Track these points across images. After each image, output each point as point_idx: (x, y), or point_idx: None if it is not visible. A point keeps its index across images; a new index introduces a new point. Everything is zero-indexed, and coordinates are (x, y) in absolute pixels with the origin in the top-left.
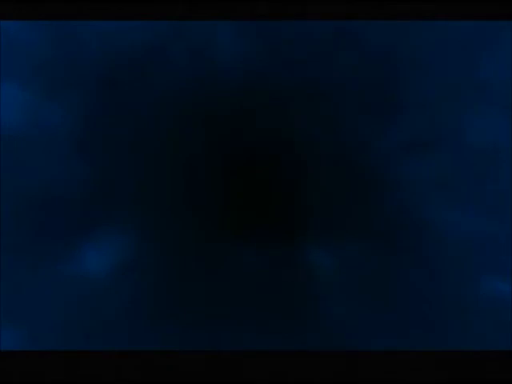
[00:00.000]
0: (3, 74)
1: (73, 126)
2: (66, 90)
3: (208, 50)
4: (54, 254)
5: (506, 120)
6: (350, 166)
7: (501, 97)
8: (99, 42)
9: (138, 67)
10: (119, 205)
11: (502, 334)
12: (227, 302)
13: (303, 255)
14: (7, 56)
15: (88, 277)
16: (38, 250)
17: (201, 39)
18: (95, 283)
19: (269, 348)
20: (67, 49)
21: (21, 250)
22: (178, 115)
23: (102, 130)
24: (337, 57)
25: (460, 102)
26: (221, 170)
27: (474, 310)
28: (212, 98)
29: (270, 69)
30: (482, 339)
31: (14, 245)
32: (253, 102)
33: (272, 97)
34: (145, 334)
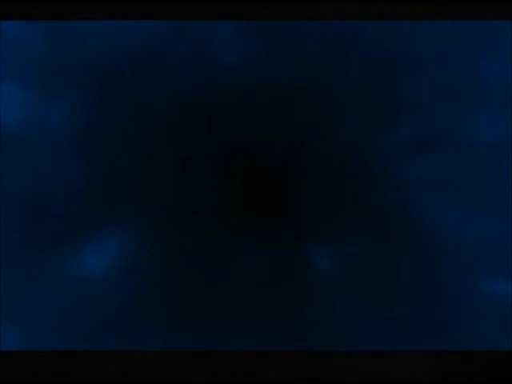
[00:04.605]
0: (3, 74)
1: (73, 126)
2: (66, 90)
3: (208, 50)
4: (53, 254)
5: (506, 120)
6: (350, 166)
7: (501, 97)
8: (99, 41)
9: (138, 67)
10: (119, 205)
11: (502, 333)
12: (227, 301)
13: (304, 255)
14: (7, 56)
15: (88, 277)
16: (38, 250)
17: (201, 39)
18: (95, 283)
19: (269, 348)
20: (67, 49)
21: (21, 250)
22: (178, 115)
23: (101, 130)
24: (337, 57)
25: (460, 102)
26: (221, 169)
27: (474, 310)
28: (212, 97)
29: (270, 69)
30: (482, 339)
31: (14, 245)
32: (253, 101)
33: (272, 97)
34: (145, 334)
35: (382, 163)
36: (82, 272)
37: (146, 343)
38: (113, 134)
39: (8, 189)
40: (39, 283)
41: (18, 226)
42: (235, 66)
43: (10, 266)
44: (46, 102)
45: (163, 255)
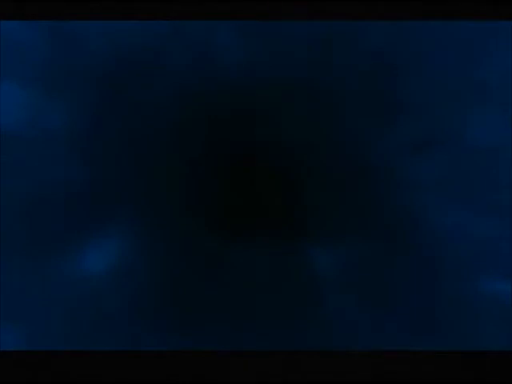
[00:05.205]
0: (3, 74)
1: (73, 126)
2: (66, 90)
3: (208, 50)
4: (54, 253)
5: (506, 120)
6: (350, 166)
7: (501, 97)
8: (99, 41)
9: (138, 67)
10: (119, 205)
11: (502, 333)
12: (227, 301)
13: (304, 255)
14: (7, 56)
15: (88, 277)
16: (38, 250)
17: (201, 39)
18: (95, 283)
19: (269, 348)
20: (67, 49)
21: (21, 250)
22: (178, 115)
23: (101, 131)
24: (336, 57)
25: (460, 102)
26: (221, 170)
27: (474, 309)
28: (212, 97)
29: (270, 69)
30: (481, 339)
31: (14, 245)
32: (253, 102)
33: (272, 97)
34: (145, 334)
35: (383, 163)
36: (82, 272)
37: (146, 343)
38: (112, 133)
39: (8, 189)
40: (39, 283)
41: (18, 226)
42: (235, 66)
43: (9, 265)
44: (46, 102)
45: (163, 255)
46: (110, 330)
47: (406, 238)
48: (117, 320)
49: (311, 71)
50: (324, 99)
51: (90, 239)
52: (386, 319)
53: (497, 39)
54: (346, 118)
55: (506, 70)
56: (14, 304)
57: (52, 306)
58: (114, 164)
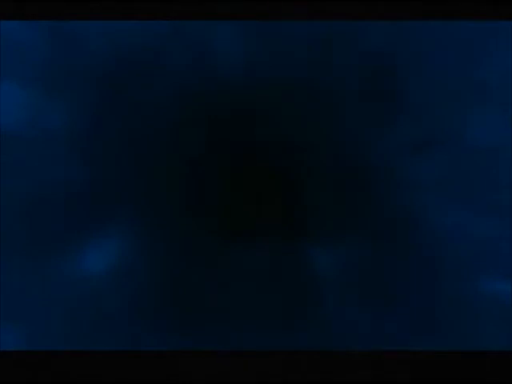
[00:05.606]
0: (3, 73)
1: (73, 126)
2: (66, 90)
3: (208, 50)
4: (54, 253)
5: (506, 120)
6: (350, 166)
7: (501, 97)
8: (99, 41)
9: (138, 67)
10: (119, 205)
11: (502, 333)
12: (227, 301)
13: (304, 255)
14: (7, 56)
15: (88, 277)
16: (38, 250)
17: (201, 39)
18: (95, 283)
19: (269, 348)
20: (67, 49)
21: (21, 250)
22: (178, 115)
23: (101, 131)
24: (336, 57)
25: (460, 102)
26: (221, 170)
27: (474, 309)
28: (212, 97)
29: (270, 69)
30: (481, 339)
31: (14, 245)
32: (252, 102)
33: (272, 97)
34: (145, 334)
35: (383, 163)
36: (82, 272)
37: (146, 343)
38: (112, 133)
39: (8, 189)
40: (39, 283)
41: (18, 226)
42: (235, 66)
43: (9, 265)
44: (46, 101)
45: (163, 255)
46: (110, 330)
47: (406, 237)
48: (117, 320)
49: (311, 71)
50: (324, 99)
51: (90, 239)
52: (386, 319)
53: (497, 39)
54: (346, 118)
55: (506, 70)
56: (14, 304)
57: (52, 305)
58: (114, 164)
